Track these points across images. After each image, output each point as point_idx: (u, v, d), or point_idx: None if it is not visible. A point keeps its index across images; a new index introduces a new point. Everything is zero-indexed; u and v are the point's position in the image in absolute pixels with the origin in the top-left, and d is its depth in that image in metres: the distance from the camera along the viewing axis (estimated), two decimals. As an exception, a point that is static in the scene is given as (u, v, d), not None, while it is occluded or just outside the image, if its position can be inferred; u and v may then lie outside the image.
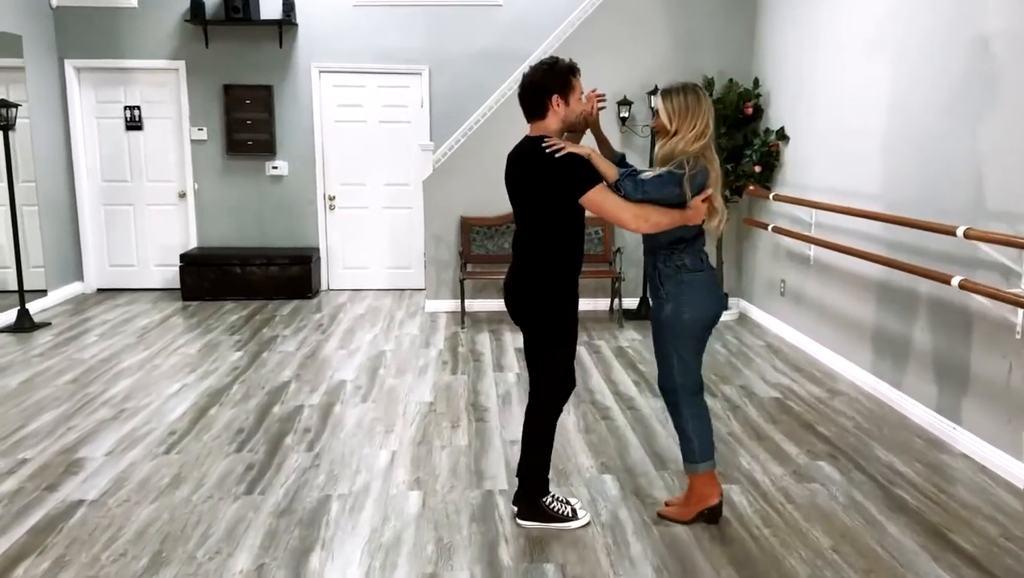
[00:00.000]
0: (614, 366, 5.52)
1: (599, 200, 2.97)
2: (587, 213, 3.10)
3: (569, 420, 4.45)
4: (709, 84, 6.76)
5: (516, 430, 4.28)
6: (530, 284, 3.14)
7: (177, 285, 7.78)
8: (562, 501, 3.33)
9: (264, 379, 5.22)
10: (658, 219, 3.00)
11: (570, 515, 3.28)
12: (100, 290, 8.09)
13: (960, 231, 3.76)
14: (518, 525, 3.28)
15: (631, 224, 3.00)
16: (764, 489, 3.62)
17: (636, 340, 6.19)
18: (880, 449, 4.06)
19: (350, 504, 3.47)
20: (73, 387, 5.04)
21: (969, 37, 4.00)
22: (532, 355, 3.23)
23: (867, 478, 3.72)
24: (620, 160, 3.27)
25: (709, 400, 4.73)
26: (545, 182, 3.00)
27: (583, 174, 2.97)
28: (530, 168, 3.05)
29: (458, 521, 3.32)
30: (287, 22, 7.55)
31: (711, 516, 3.29)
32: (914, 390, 4.50)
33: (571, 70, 3.06)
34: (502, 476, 3.74)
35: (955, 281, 3.80)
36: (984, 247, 3.73)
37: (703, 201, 3.02)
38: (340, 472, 3.79)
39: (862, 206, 4.96)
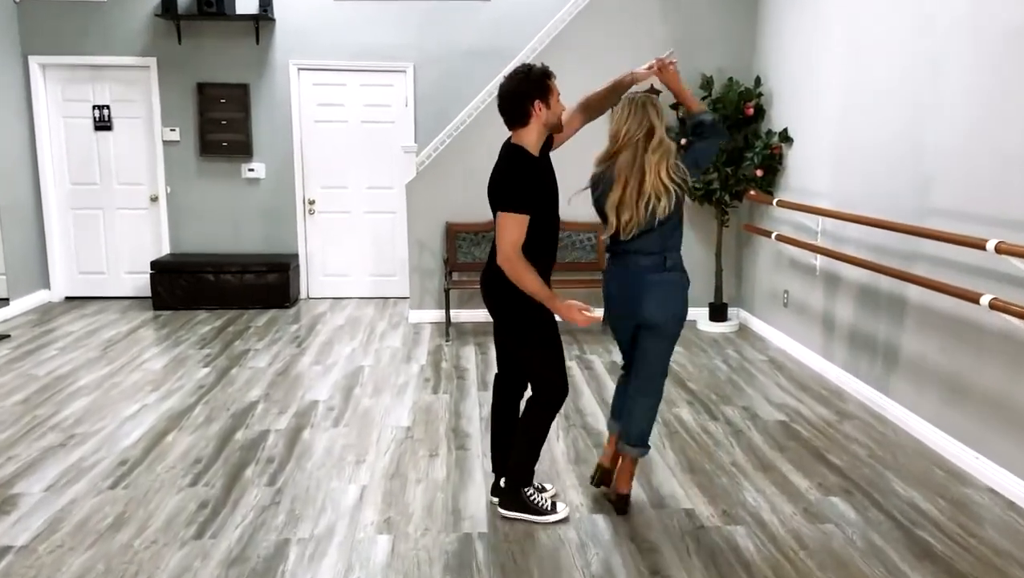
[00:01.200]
0: (607, 384, 5.16)
1: (501, 224, 3.05)
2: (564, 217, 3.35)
3: (558, 448, 4.09)
4: (708, 83, 6.41)
5: (499, 460, 3.92)
6: (500, 280, 3.14)
7: (149, 293, 7.39)
8: (539, 490, 3.40)
9: (230, 399, 4.84)
10: (523, 278, 3.06)
11: (549, 509, 3.31)
12: (68, 298, 7.69)
13: (991, 245, 3.40)
14: (501, 516, 3.32)
15: (499, 261, 3.07)
16: (773, 531, 3.25)
17: (631, 354, 5.82)
18: (898, 482, 3.71)
19: (311, 550, 3.10)
20: (22, 409, 4.65)
21: (1004, 27, 3.64)
22: (515, 353, 3.31)
23: (886, 517, 3.36)
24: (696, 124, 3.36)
25: (711, 423, 4.45)
26: (495, 188, 3.13)
27: (509, 197, 3.04)
28: (496, 171, 3.17)
29: (430, 572, 2.95)
30: (264, 17, 7.17)
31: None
32: (931, 414, 4.15)
33: (546, 74, 3.13)
34: (482, 517, 3.37)
35: (985, 300, 3.44)
36: (1016, 262, 3.37)
37: (583, 318, 3.11)
38: (303, 511, 3.42)
39: (874, 214, 4.61)
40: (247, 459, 3.96)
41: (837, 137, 5.19)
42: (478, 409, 4.68)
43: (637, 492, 3.58)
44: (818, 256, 5.35)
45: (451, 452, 4.05)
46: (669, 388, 5.02)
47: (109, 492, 3.59)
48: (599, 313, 3.21)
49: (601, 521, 3.34)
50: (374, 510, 3.42)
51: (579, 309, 3.09)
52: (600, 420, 4.50)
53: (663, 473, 3.79)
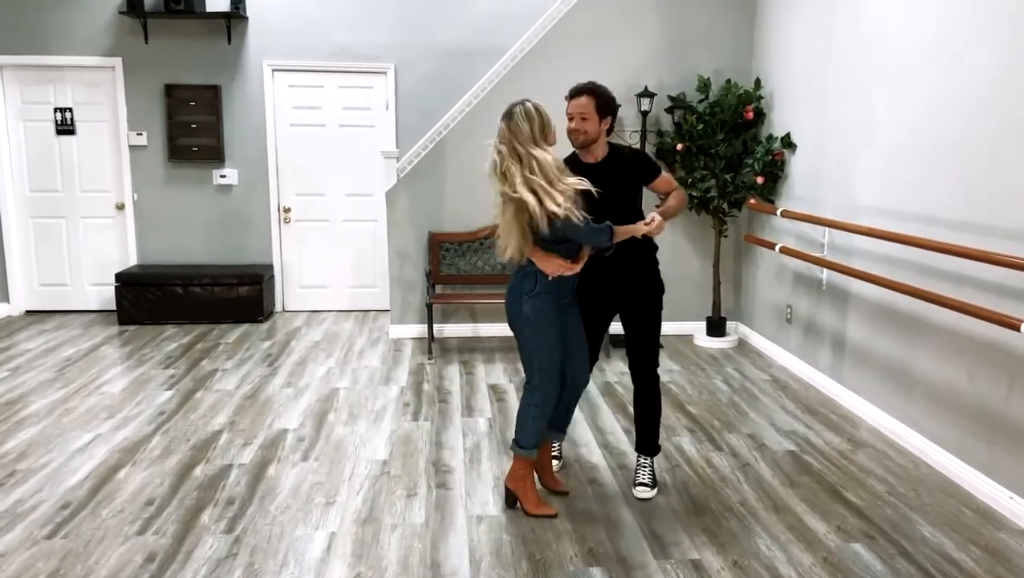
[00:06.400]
0: (601, 408, 4.80)
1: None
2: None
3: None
4: (704, 85, 6.06)
5: (484, 499, 3.56)
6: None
7: (114, 307, 6.98)
8: None
9: (192, 428, 4.45)
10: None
11: None
12: (29, 312, 7.27)
13: (1033, 265, 3.07)
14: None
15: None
16: (791, 587, 2.90)
17: (626, 373, 5.47)
18: (924, 524, 3.36)
19: (268, 616, 2.72)
20: (-39, 441, 4.25)
21: (1030, 27, 3.30)
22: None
23: (916, 569, 3.01)
24: None
25: (715, 455, 4.10)
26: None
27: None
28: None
29: (404, 645, 2.57)
30: (236, 15, 6.78)
31: None
32: (955, 445, 3.80)
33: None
34: (465, 569, 3.00)
35: (1026, 327, 3.10)
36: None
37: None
38: (262, 565, 3.03)
39: (889, 226, 4.27)
40: (205, 500, 3.57)
41: (846, 142, 4.85)
42: (461, 439, 4.31)
43: (638, 538, 3.22)
44: (824, 270, 5.01)
45: (431, 491, 3.67)
46: (668, 413, 4.67)
47: (45, 542, 3.19)
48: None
49: (598, 576, 2.97)
50: (343, 564, 3.04)
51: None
52: (594, 451, 4.14)
53: (666, 515, 3.43)
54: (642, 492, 3.58)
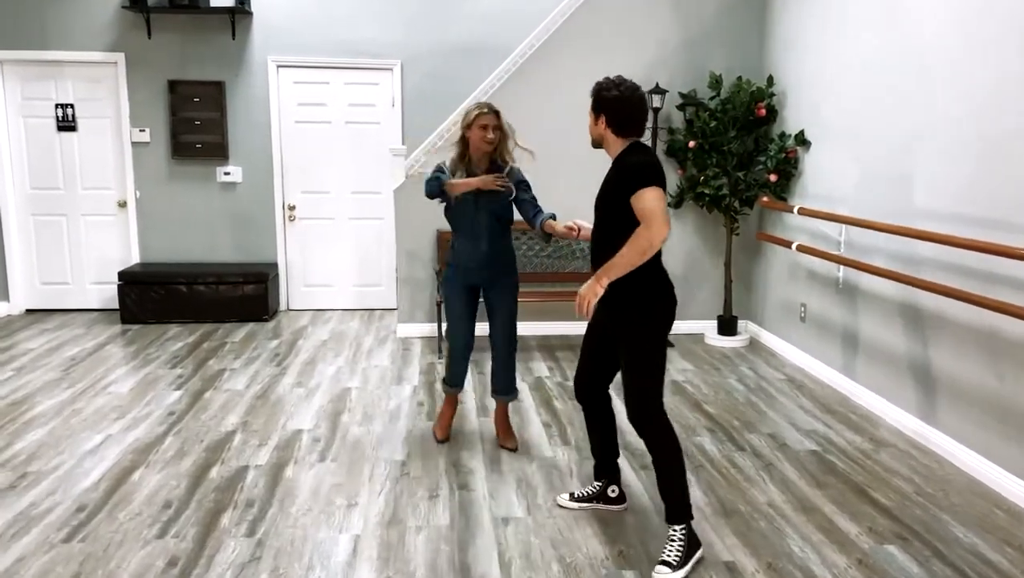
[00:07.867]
0: (618, 409, 4.73)
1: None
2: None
3: (573, 487, 3.66)
4: (716, 82, 6.01)
5: (507, 501, 3.50)
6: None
7: (116, 306, 6.89)
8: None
9: (204, 428, 4.37)
10: None
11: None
12: (29, 311, 7.17)
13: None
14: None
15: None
16: (828, 589, 2.85)
17: (638, 373, 5.41)
18: (956, 525, 3.32)
19: (298, 622, 2.65)
20: (-31, 442, 4.16)
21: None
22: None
23: (953, 571, 2.96)
24: None
25: (737, 455, 4.05)
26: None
27: None
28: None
29: (440, 651, 2.51)
30: (240, 10, 6.70)
31: None
32: (982, 445, 3.77)
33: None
34: (495, 572, 2.94)
35: (1064, 325, 3.06)
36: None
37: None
38: (288, 568, 2.96)
39: (907, 223, 4.23)
40: (223, 502, 3.50)
41: (861, 139, 4.80)
42: (479, 439, 4.25)
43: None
44: (841, 268, 4.97)
45: (453, 492, 3.61)
46: (685, 413, 4.63)
47: (63, 546, 3.11)
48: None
49: (632, 579, 2.92)
50: (370, 567, 2.97)
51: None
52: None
53: (695, 517, 3.37)
54: (662, 571, 2.87)
